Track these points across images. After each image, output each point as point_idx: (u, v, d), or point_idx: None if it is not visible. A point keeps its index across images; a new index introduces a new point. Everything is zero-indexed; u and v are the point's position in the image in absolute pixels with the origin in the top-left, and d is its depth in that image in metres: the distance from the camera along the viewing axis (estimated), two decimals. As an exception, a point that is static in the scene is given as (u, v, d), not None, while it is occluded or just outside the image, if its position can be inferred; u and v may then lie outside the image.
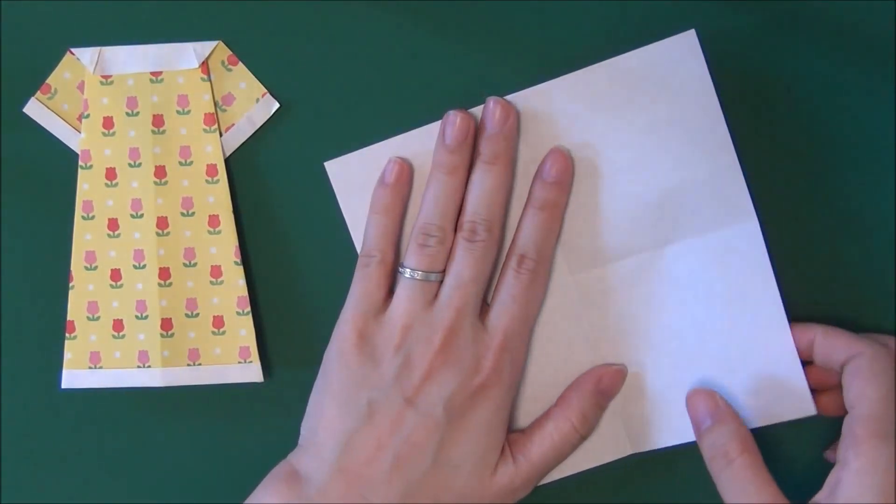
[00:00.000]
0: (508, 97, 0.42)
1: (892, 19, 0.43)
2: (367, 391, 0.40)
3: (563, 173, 0.42)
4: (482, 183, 0.42)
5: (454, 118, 0.42)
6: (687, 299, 0.43)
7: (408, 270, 0.42)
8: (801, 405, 0.41)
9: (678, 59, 0.41)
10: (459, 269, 0.41)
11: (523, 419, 0.43)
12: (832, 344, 0.41)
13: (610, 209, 0.43)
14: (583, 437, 0.42)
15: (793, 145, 0.44)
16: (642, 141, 0.42)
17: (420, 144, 0.43)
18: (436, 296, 0.42)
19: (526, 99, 0.43)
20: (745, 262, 0.42)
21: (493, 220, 0.42)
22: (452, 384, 0.40)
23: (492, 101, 0.42)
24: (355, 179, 0.43)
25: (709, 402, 0.41)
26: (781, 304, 0.41)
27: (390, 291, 0.42)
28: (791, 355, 0.41)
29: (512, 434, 0.43)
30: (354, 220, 0.44)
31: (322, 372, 0.42)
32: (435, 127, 0.43)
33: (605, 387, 0.43)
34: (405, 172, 0.43)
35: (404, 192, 0.43)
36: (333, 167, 0.43)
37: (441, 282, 0.42)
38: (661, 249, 0.43)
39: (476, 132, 0.42)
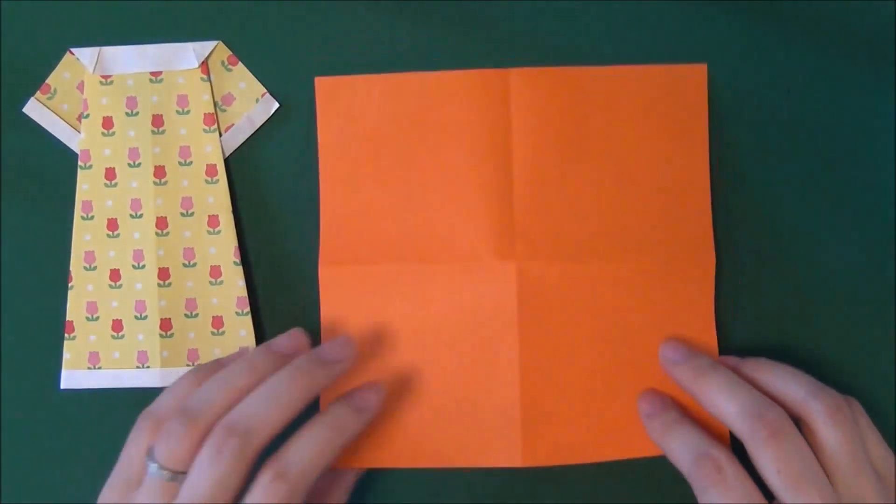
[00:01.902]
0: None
1: (892, 19, 0.43)
2: None
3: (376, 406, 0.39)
4: (277, 385, 0.35)
5: (295, 335, 0.39)
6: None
7: (154, 466, 0.35)
8: None
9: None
10: (196, 483, 0.34)
11: None
12: None
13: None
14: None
15: (792, 145, 0.44)
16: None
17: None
18: None
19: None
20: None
21: (259, 436, 0.34)
22: None
23: (343, 338, 0.39)
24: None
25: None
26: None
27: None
28: None
29: None
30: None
31: None
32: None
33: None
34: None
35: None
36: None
37: None
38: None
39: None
